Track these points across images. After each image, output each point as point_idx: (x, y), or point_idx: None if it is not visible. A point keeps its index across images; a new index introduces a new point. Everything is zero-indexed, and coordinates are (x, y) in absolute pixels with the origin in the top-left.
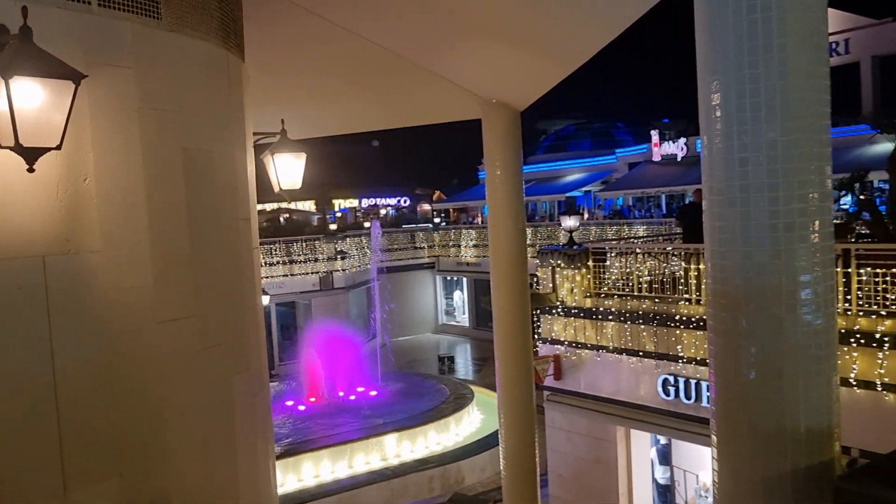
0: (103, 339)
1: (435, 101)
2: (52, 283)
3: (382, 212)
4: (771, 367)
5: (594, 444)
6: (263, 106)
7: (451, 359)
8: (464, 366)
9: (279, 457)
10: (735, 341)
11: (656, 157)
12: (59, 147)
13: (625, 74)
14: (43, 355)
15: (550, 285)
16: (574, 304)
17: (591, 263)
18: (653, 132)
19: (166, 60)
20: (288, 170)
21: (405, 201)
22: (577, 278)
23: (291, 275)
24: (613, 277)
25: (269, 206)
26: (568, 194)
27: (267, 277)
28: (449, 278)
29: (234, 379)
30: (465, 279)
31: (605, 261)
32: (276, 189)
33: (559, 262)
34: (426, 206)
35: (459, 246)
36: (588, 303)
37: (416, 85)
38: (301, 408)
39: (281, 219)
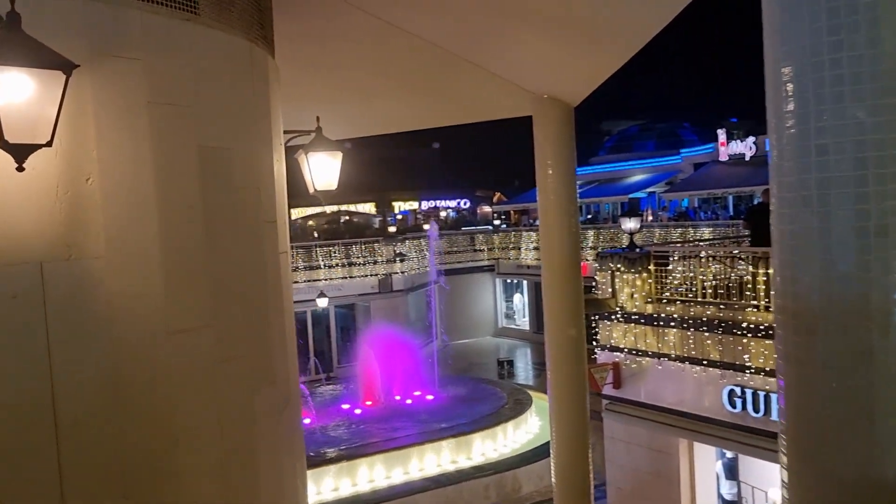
0: (108, 352)
1: (483, 97)
2: (51, 291)
3: (443, 214)
4: (858, 406)
5: (655, 456)
6: (299, 104)
7: (511, 363)
8: (523, 370)
9: (333, 461)
10: (811, 372)
11: (723, 157)
12: (49, 144)
13: (690, 73)
14: (40, 371)
15: (610, 290)
16: (634, 310)
17: (652, 267)
18: (719, 131)
19: (179, 52)
20: (323, 170)
21: (465, 203)
22: (638, 283)
23: (350, 277)
24: (676, 282)
25: (329, 209)
26: (631, 195)
27: (326, 280)
28: (509, 281)
29: (256, 393)
30: (525, 282)
31: (667, 264)
32: (311, 190)
33: (619, 265)
34: (486, 209)
35: (519, 248)
36: (649, 308)
37: (463, 81)
38: (357, 411)
39: (341, 221)
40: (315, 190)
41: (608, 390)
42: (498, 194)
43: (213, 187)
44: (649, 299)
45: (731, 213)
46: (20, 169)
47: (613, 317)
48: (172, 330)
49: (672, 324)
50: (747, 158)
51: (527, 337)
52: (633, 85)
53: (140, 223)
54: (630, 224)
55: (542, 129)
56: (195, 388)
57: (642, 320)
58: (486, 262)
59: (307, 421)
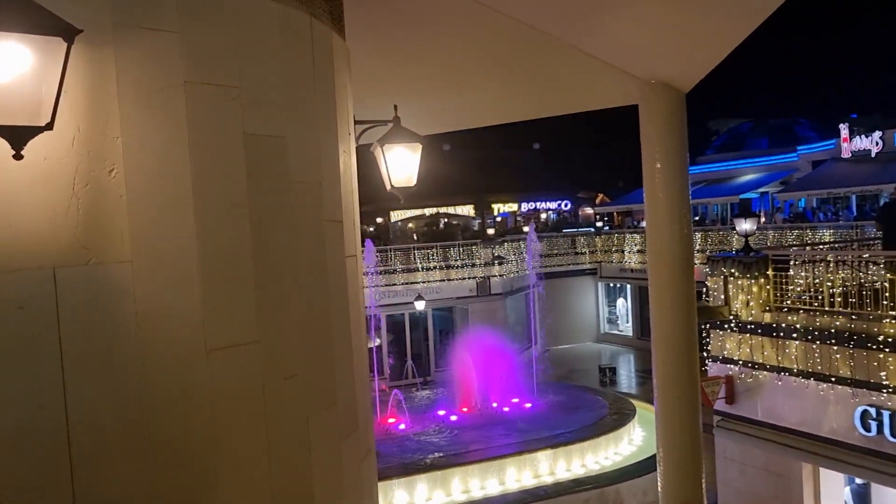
0: (133, 372)
1: (583, 85)
2: (66, 301)
3: (543, 216)
4: None
5: (774, 480)
6: (380, 98)
7: (613, 370)
8: (626, 378)
9: (426, 469)
10: None
11: (845, 154)
12: (49, 127)
13: (806, 68)
14: (52, 397)
15: (722, 297)
16: (750, 319)
17: (771, 272)
18: (841, 126)
19: (223, 24)
20: (401, 164)
21: (566, 205)
22: (755, 289)
23: (448, 280)
24: (799, 289)
25: (427, 211)
26: (742, 196)
27: (424, 282)
28: (612, 285)
29: (313, 418)
30: (628, 286)
31: (787, 269)
32: (388, 187)
33: (733, 270)
34: (588, 210)
35: (623, 251)
36: (767, 318)
37: (561, 67)
38: (453, 418)
39: (441, 224)
40: (392, 186)
41: (720, 405)
42: (600, 196)
43: (262, 181)
44: (767, 307)
45: (855, 214)
46: (18, 157)
47: (726, 326)
48: (211, 347)
49: (794, 335)
50: (873, 155)
51: (630, 343)
52: (743, 80)
53: (174, 223)
54: (745, 225)
55: (650, 119)
56: (239, 414)
57: (759, 330)
58: (587, 266)
59: (402, 427)
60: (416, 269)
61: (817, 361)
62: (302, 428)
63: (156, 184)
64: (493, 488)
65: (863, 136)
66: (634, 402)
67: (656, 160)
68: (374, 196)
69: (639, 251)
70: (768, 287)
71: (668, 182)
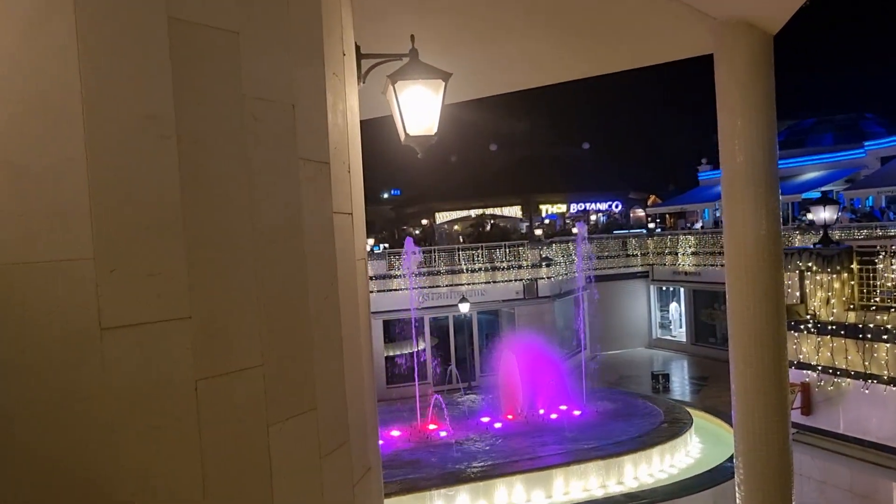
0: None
1: (648, 30)
2: None
3: (593, 217)
4: None
5: (859, 503)
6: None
7: (666, 377)
8: (680, 385)
9: (467, 479)
10: None
11: None
12: None
13: (871, 62)
14: None
15: (797, 294)
16: (831, 319)
17: (856, 266)
18: None
19: None
20: (418, 107)
21: (617, 206)
22: (836, 286)
23: (494, 282)
24: (890, 284)
25: (474, 213)
26: (804, 195)
27: (469, 284)
28: (664, 288)
29: (278, 428)
30: (682, 290)
31: (875, 263)
32: (402, 137)
33: (811, 264)
34: (640, 212)
35: (676, 253)
36: (851, 317)
37: (622, 10)
38: (497, 425)
39: (487, 225)
40: (407, 136)
41: (795, 416)
42: (652, 197)
43: (197, 88)
44: (851, 306)
45: None
46: None
47: (802, 327)
48: (109, 324)
49: (884, 337)
50: None
51: (683, 349)
52: (803, 76)
53: (50, 137)
54: (824, 214)
55: (729, 67)
56: (154, 424)
57: (842, 332)
58: (639, 268)
59: (443, 434)
60: (461, 271)
61: None
62: (260, 441)
63: (22, 79)
64: (539, 501)
65: None
66: (690, 410)
67: (737, 116)
68: (420, 196)
69: (693, 253)
70: (853, 283)
71: (751, 143)
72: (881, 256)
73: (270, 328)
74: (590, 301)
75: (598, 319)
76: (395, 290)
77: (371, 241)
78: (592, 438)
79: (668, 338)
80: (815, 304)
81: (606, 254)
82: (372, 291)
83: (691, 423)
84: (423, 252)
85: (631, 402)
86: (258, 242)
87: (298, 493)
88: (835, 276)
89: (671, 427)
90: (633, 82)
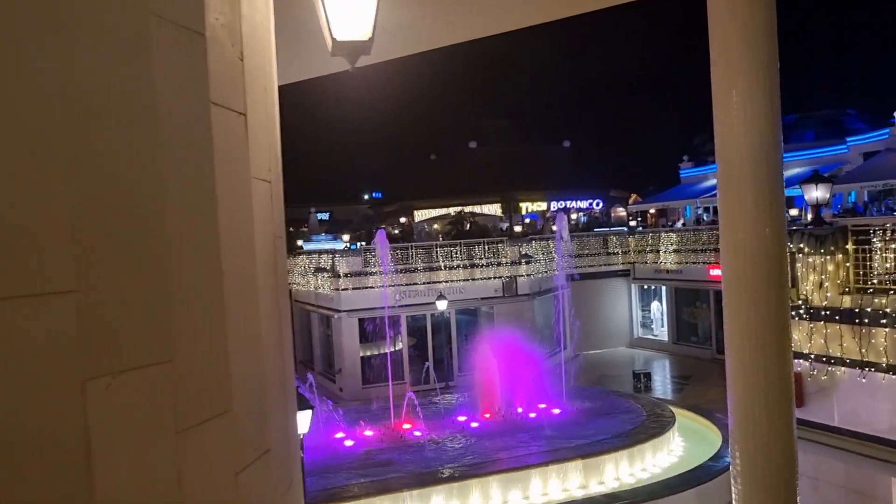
0: None
1: None
2: None
3: (574, 216)
4: None
5: (855, 500)
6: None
7: (648, 375)
8: (661, 384)
9: (441, 480)
10: None
11: None
12: None
13: (854, 58)
14: None
15: (789, 277)
16: (825, 304)
17: (851, 247)
18: None
19: None
20: (348, 6)
21: (598, 204)
22: (830, 268)
23: (472, 279)
24: (888, 265)
25: (453, 211)
26: (787, 192)
27: (447, 282)
28: (646, 287)
29: (187, 435)
30: (664, 288)
31: (872, 243)
32: (329, 44)
33: (802, 245)
34: (621, 211)
35: (658, 251)
36: (846, 301)
37: None
38: (474, 424)
39: (467, 224)
40: (335, 42)
41: None
42: (634, 196)
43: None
44: (846, 289)
45: None
46: None
47: (794, 313)
48: None
49: (883, 321)
50: None
51: (665, 348)
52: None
53: None
54: (816, 192)
55: (728, 5)
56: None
57: (837, 317)
58: (620, 267)
59: (417, 433)
60: (439, 268)
61: None
62: (165, 450)
63: None
64: (517, 502)
65: None
66: (673, 408)
67: (734, 69)
68: (399, 194)
69: (675, 251)
70: (848, 264)
71: (748, 99)
72: (879, 235)
73: (179, 314)
74: (571, 300)
75: (579, 318)
76: (371, 287)
77: (346, 238)
78: (573, 437)
79: (650, 337)
80: (808, 287)
81: (587, 252)
82: (347, 289)
83: (674, 422)
84: (400, 249)
85: (612, 400)
86: (146, 192)
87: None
88: (828, 257)
89: (653, 425)
90: (615, 80)
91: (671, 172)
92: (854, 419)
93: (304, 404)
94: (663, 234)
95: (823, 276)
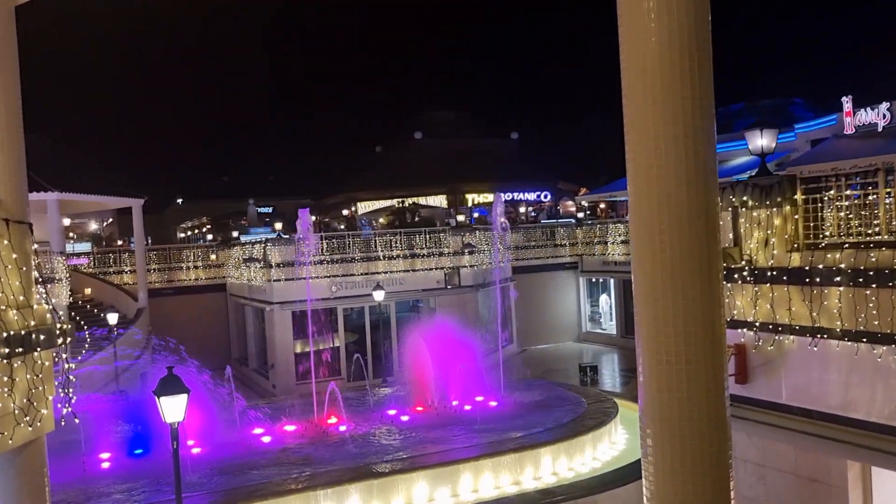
0: None
1: None
2: None
3: (522, 209)
4: None
5: (807, 488)
6: None
7: (595, 368)
8: (610, 378)
9: (360, 477)
10: None
11: (848, 130)
12: None
13: (801, 48)
14: None
15: (731, 236)
16: (771, 263)
17: (800, 197)
18: (844, 99)
19: None
20: None
21: (546, 196)
22: (777, 222)
23: (413, 270)
24: (842, 216)
25: (398, 203)
26: (735, 179)
27: (386, 273)
28: (594, 280)
29: None
30: (612, 280)
31: (824, 191)
32: None
33: (746, 198)
34: (570, 204)
35: (606, 242)
36: (795, 259)
37: None
38: (404, 418)
39: (415, 216)
40: None
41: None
42: (583, 189)
43: None
44: (795, 245)
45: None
46: None
47: (736, 275)
48: None
49: (837, 279)
50: (880, 129)
51: (614, 342)
52: (730, 64)
53: None
54: (761, 140)
55: None
56: None
57: (785, 277)
58: (568, 259)
59: (342, 428)
60: (378, 258)
61: (872, 316)
62: None
63: None
64: (444, 500)
65: (868, 110)
66: (618, 400)
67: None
68: (340, 186)
69: (623, 242)
70: (796, 217)
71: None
72: (828, 183)
73: None
74: (516, 292)
75: (525, 312)
76: (304, 278)
77: (279, 226)
78: (508, 429)
79: (598, 331)
80: (752, 246)
81: (533, 243)
82: (279, 280)
83: (617, 413)
84: (337, 238)
85: (554, 392)
86: None
87: None
88: (775, 210)
89: (595, 417)
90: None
91: (622, 165)
92: (804, 395)
93: (178, 388)
94: (611, 225)
95: (769, 232)
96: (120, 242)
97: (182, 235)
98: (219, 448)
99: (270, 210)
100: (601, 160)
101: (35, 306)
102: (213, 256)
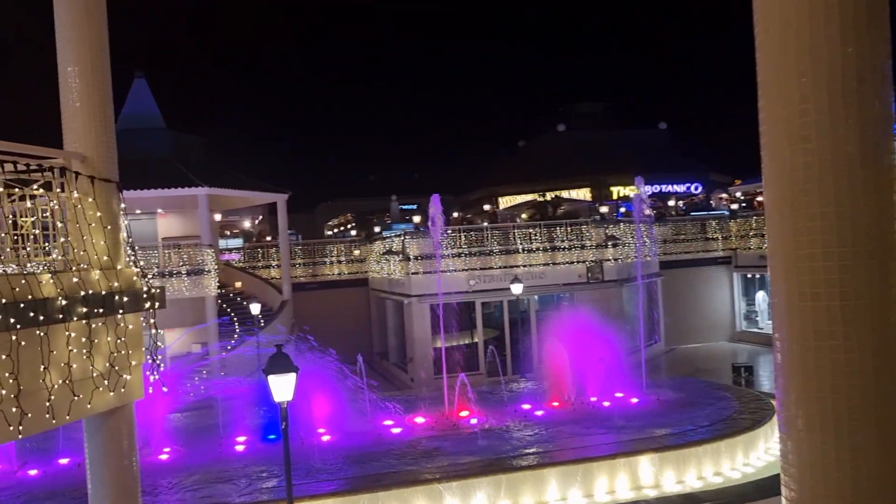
0: None
1: None
2: None
3: (671, 202)
4: None
5: None
6: None
7: (749, 369)
8: (768, 379)
9: (487, 471)
10: None
11: None
12: None
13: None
14: None
15: None
16: None
17: None
18: None
19: None
20: None
21: (696, 188)
22: None
23: (553, 264)
24: None
25: (539, 197)
26: None
27: (525, 266)
28: (749, 276)
29: None
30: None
31: None
32: None
33: None
34: (723, 195)
35: (763, 236)
36: None
37: None
38: (538, 413)
39: (558, 210)
40: None
41: None
42: (738, 181)
43: None
44: None
45: None
46: None
47: None
48: None
49: None
50: None
51: (772, 343)
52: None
53: None
54: None
55: None
56: None
57: None
58: (720, 254)
59: (473, 421)
60: (517, 251)
61: None
62: None
63: None
64: (576, 499)
65: None
66: (774, 402)
67: None
68: (481, 181)
69: None
70: None
71: None
72: None
73: None
74: (664, 288)
75: (673, 309)
76: (444, 271)
77: (418, 219)
78: (649, 428)
79: (755, 330)
80: None
81: (683, 237)
82: (417, 273)
83: (773, 414)
84: (475, 231)
85: (702, 390)
86: None
87: None
88: None
89: (748, 419)
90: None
91: None
92: None
93: (287, 367)
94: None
95: None
96: (269, 238)
97: (329, 233)
98: (348, 437)
99: (415, 207)
100: (757, 150)
101: (121, 268)
102: (355, 251)
